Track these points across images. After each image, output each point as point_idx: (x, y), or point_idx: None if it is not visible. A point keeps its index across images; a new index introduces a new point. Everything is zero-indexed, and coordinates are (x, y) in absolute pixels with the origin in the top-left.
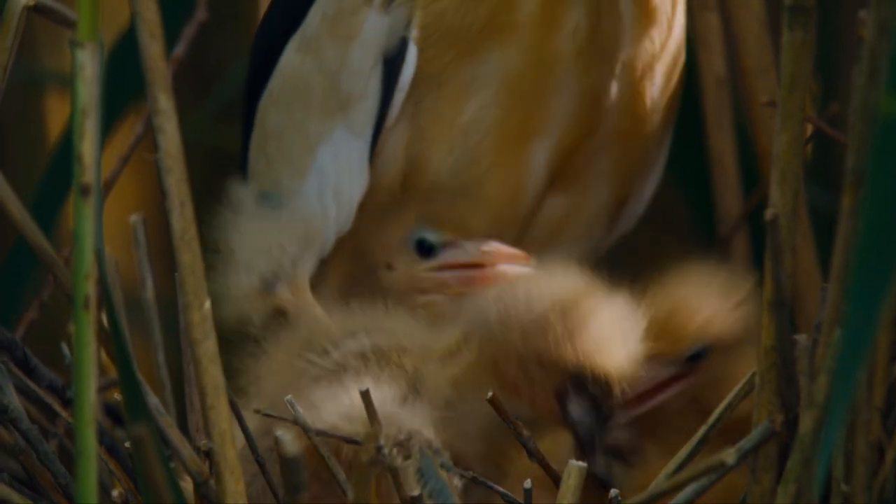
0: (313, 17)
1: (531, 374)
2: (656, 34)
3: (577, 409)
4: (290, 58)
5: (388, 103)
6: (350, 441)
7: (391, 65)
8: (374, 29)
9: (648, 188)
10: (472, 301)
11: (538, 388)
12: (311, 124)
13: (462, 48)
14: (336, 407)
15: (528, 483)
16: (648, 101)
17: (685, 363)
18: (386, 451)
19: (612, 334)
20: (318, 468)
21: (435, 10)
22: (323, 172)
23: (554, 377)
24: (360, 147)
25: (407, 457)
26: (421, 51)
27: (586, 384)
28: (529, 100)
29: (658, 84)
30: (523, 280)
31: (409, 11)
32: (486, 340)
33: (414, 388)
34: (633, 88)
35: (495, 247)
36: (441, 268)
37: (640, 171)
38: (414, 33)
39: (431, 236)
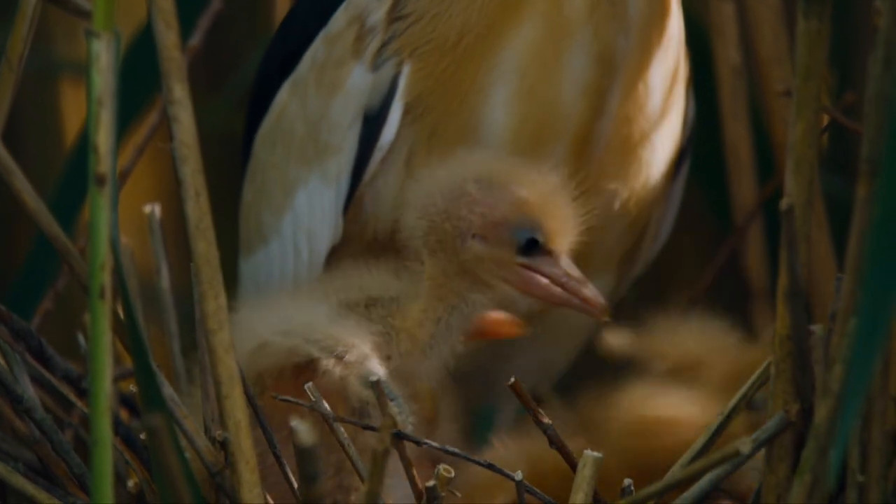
0: (306, 60)
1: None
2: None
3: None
4: (283, 96)
5: (367, 160)
6: (367, 427)
7: (373, 122)
8: (357, 85)
9: (664, 227)
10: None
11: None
12: (290, 167)
13: (476, 45)
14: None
15: (518, 474)
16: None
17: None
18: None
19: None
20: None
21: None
22: (298, 214)
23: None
24: (333, 197)
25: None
26: (427, 71)
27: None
28: (546, 78)
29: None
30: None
31: (397, 68)
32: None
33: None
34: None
35: (581, 279)
36: (530, 268)
37: (653, 201)
38: (408, 68)
39: (542, 239)
